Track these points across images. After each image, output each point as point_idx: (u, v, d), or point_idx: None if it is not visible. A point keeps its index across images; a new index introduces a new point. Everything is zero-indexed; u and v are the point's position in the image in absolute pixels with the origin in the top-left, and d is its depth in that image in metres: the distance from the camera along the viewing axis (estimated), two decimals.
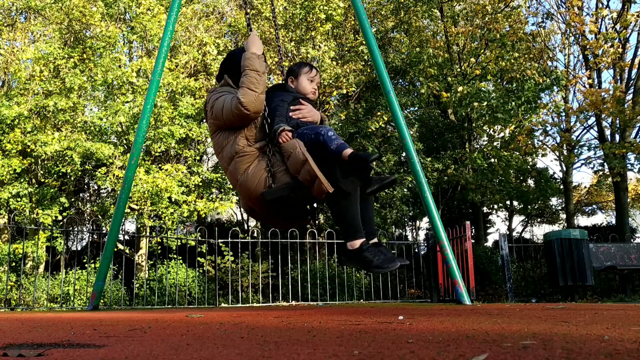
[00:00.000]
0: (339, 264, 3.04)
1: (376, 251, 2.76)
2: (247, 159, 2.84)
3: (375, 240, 2.94)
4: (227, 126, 2.87)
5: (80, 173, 11.21)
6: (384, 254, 2.76)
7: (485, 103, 11.52)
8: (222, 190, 12.83)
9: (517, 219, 23.09)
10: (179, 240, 9.38)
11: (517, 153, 13.04)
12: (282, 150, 2.78)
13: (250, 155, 2.84)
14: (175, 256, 9.29)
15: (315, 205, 3.19)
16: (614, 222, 17.70)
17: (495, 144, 14.57)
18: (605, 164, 13.31)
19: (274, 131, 2.81)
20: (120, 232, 6.78)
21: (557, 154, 14.32)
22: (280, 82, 3.19)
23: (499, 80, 13.25)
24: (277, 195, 2.74)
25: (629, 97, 12.69)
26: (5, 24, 12.48)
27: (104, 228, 11.94)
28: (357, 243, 2.76)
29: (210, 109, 2.94)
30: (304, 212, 3.10)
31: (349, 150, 2.72)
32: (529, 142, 12.54)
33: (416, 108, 14.45)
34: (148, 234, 10.49)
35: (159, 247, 10.42)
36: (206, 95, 3.19)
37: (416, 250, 11.25)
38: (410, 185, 12.21)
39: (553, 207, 21.23)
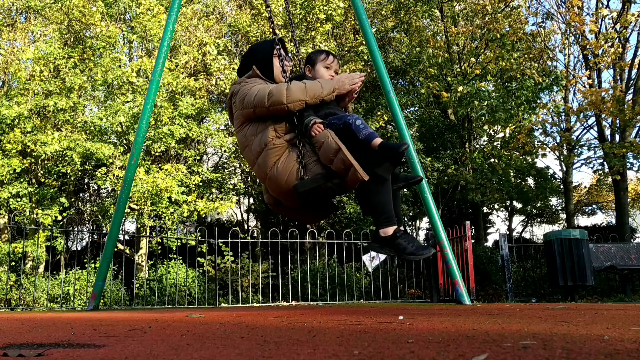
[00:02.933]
0: (372, 250, 3.05)
1: (409, 238, 2.72)
2: (276, 152, 2.78)
3: (402, 228, 2.86)
4: (256, 115, 2.83)
5: (80, 173, 11.21)
6: (416, 241, 2.74)
7: (485, 102, 11.52)
8: (222, 190, 12.83)
9: (517, 219, 23.09)
10: (179, 240, 9.39)
11: (517, 153, 13.05)
12: (314, 141, 2.73)
13: (279, 147, 2.78)
14: (175, 256, 9.29)
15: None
16: (614, 222, 17.69)
17: (495, 143, 14.57)
18: (605, 163, 13.31)
19: (306, 124, 2.76)
20: (120, 232, 6.78)
21: (557, 153, 14.32)
22: (299, 73, 3.15)
23: (499, 80, 13.26)
24: (310, 187, 2.67)
25: (629, 97, 12.69)
26: (5, 24, 12.48)
27: (104, 228, 11.94)
28: (391, 230, 2.71)
29: (241, 100, 2.87)
30: (331, 206, 3.06)
31: (378, 140, 2.66)
32: (529, 141, 12.54)
33: (416, 108, 14.45)
34: (148, 234, 10.49)
35: (159, 247, 10.42)
36: (232, 87, 3.11)
37: None
38: None
39: (553, 207, 21.22)
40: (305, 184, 2.67)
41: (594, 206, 22.31)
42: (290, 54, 3.34)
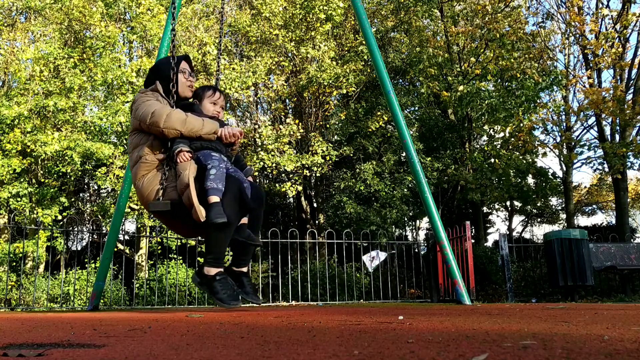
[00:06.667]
0: (193, 281, 3.26)
1: (227, 285, 2.91)
2: (147, 167, 2.98)
3: (244, 269, 3.18)
4: (141, 129, 3.01)
5: (80, 173, 11.20)
6: (231, 289, 2.92)
7: (486, 102, 11.52)
8: None
9: (517, 219, 23.11)
10: (179, 240, 9.38)
11: (517, 152, 13.05)
12: (177, 168, 2.91)
13: (150, 163, 2.98)
14: (175, 256, 9.29)
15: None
16: (614, 222, 17.70)
17: (495, 143, 14.57)
18: (605, 162, 13.32)
19: (173, 150, 2.93)
20: (120, 232, 6.78)
21: (557, 153, 14.33)
22: (190, 102, 3.28)
23: (499, 80, 13.26)
24: (159, 209, 2.89)
25: (629, 96, 12.69)
26: (5, 24, 12.48)
27: (104, 228, 11.94)
28: (213, 271, 2.92)
29: (135, 109, 3.04)
30: (197, 226, 3.07)
31: (211, 198, 2.80)
32: (529, 140, 12.54)
33: (416, 108, 14.45)
34: (148, 234, 10.48)
35: (159, 247, 10.41)
36: (136, 95, 3.26)
37: (416, 250, 11.24)
38: (410, 185, 12.21)
39: (553, 207, 21.23)
40: (156, 205, 2.89)
41: (594, 206, 22.32)
42: (194, 71, 3.47)
